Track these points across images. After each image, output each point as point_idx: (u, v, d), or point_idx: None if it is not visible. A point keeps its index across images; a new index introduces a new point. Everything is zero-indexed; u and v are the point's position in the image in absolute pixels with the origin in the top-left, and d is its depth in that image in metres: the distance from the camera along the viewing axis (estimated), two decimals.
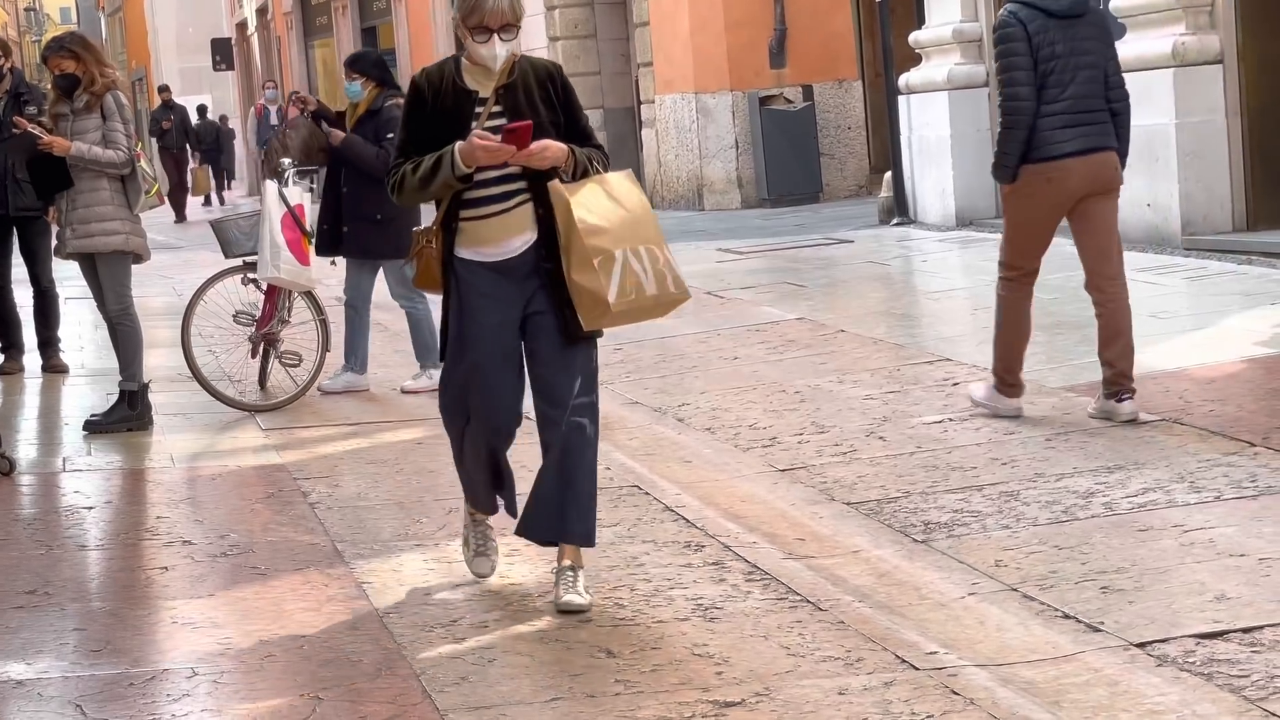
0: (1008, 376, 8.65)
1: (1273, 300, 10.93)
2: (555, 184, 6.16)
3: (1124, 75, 8.66)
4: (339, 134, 11.02)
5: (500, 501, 6.68)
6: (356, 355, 11.24)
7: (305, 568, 7.06)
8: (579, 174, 6.22)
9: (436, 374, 11.03)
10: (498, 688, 5.52)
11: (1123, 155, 8.61)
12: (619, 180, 6.29)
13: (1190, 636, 5.40)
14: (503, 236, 6.25)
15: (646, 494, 7.93)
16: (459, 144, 6.13)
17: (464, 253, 6.30)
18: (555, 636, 5.98)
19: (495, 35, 6.20)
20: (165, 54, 54.07)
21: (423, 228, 6.45)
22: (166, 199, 30.39)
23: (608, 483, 8.14)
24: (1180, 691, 5.00)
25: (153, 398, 10.34)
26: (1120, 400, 8.27)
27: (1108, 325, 8.45)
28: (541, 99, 6.29)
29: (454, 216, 6.30)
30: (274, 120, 29.06)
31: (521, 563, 6.91)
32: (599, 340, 6.37)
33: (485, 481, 6.59)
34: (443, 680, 5.59)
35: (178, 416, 10.54)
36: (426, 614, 6.34)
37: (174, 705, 5.48)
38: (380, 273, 11.29)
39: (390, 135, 10.83)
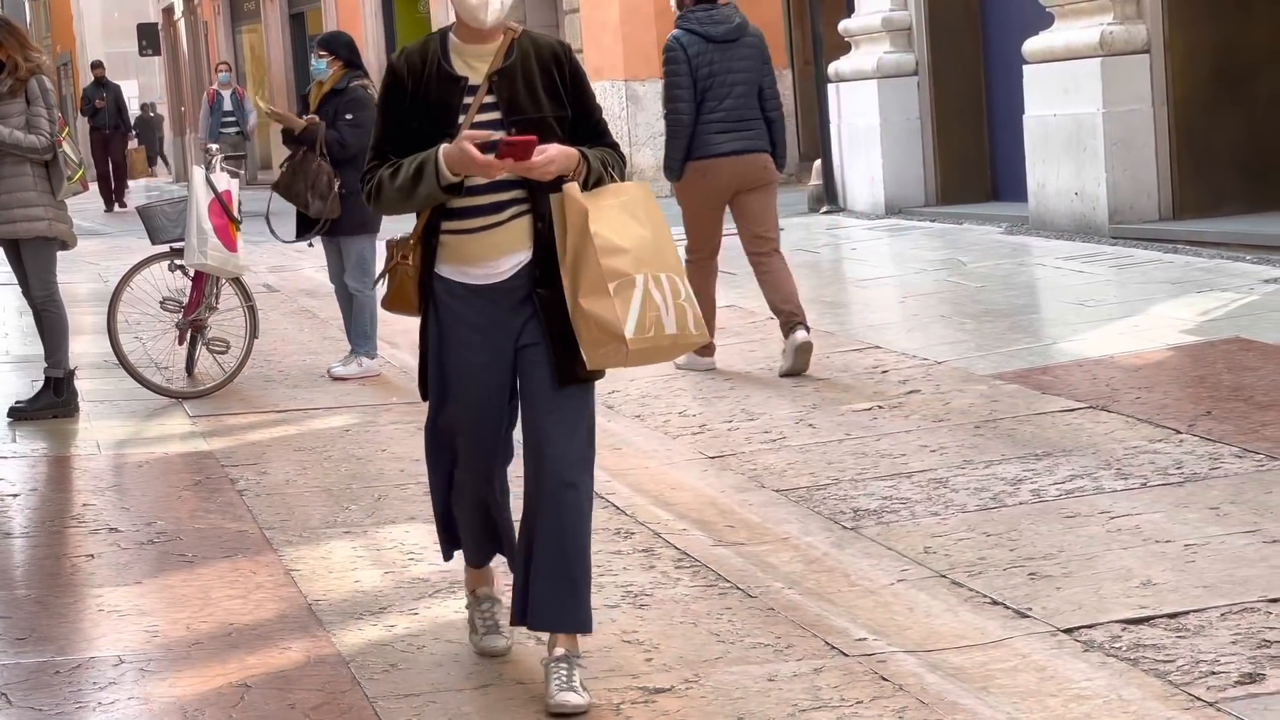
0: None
1: (1199, 288, 11.01)
2: (571, 188, 5.10)
3: (1049, 64, 8.73)
4: (300, 122, 10.97)
5: (499, 555, 5.75)
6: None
7: (233, 555, 7.02)
8: (591, 183, 5.18)
9: (368, 362, 11.08)
10: (427, 675, 5.51)
11: (777, 157, 10.13)
12: (637, 193, 5.26)
13: (1117, 622, 5.43)
14: (491, 255, 5.20)
15: None
16: (444, 148, 5.07)
17: (445, 271, 5.27)
18: None
19: None
20: (91, 38, 53.71)
21: (398, 239, 5.36)
22: (95, 185, 30.05)
23: None
24: (1107, 677, 5.03)
25: (79, 384, 10.27)
26: (794, 330, 9.67)
27: (772, 287, 9.93)
28: (545, 87, 5.21)
29: (435, 228, 5.26)
30: (228, 106, 27.74)
31: None
32: None
33: (478, 532, 5.64)
34: (372, 668, 5.57)
35: (104, 403, 10.48)
36: (355, 601, 6.32)
37: (100, 693, 5.45)
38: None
39: (349, 116, 10.83)
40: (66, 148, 9.90)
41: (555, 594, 5.19)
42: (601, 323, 5.02)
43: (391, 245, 5.37)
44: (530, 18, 25.65)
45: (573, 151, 5.11)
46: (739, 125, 9.94)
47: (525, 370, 5.23)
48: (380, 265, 5.47)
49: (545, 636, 5.29)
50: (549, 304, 5.16)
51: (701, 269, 10.02)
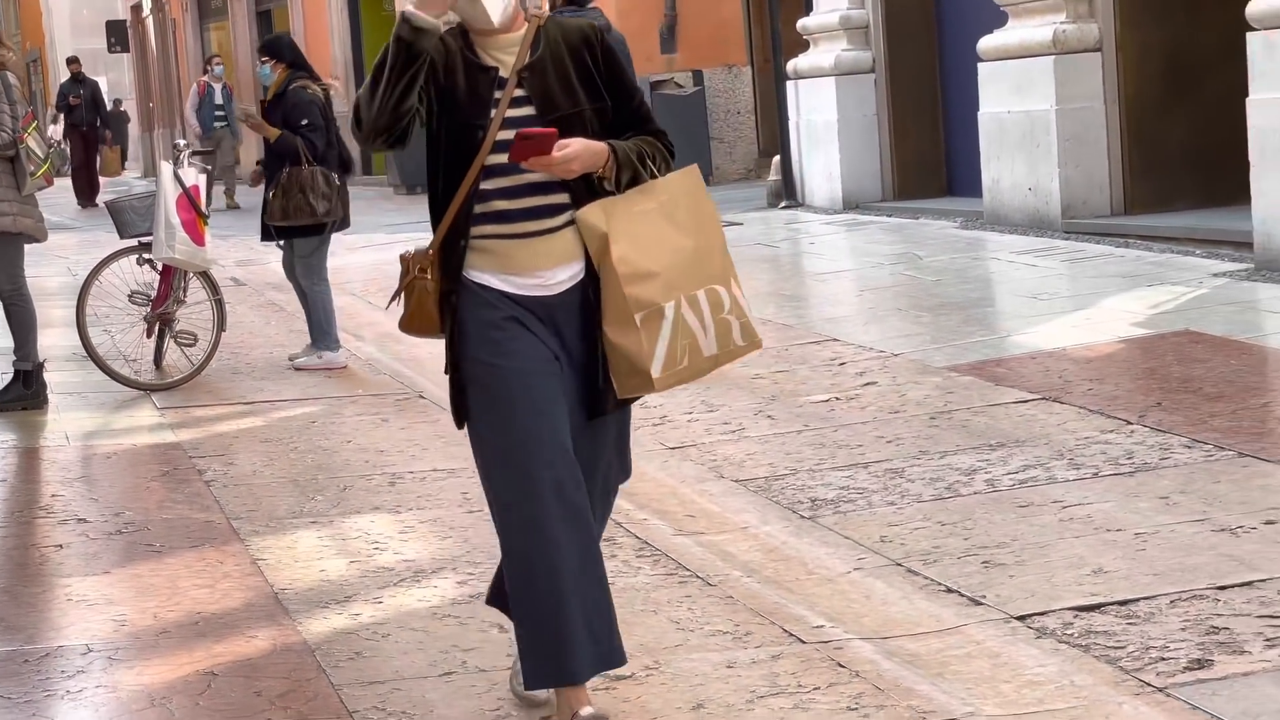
0: None
1: (1149, 282, 11.05)
2: (586, 212, 4.52)
3: (1003, 62, 8.80)
4: (273, 131, 10.95)
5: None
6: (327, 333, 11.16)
7: (200, 545, 7.00)
8: (625, 180, 4.58)
9: (327, 355, 11.05)
10: (392, 663, 5.50)
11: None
12: (679, 187, 4.62)
13: (1069, 609, 5.45)
14: (545, 263, 4.56)
15: None
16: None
17: (480, 276, 4.59)
18: (448, 612, 5.97)
19: None
20: (60, 35, 53.50)
21: (413, 252, 4.66)
22: (70, 180, 29.73)
23: None
24: (1059, 663, 5.04)
25: (48, 377, 10.23)
26: None
27: None
28: (580, 77, 4.62)
29: (463, 233, 4.58)
30: (218, 100, 26.97)
31: (415, 539, 6.89)
32: None
33: (567, 618, 4.54)
34: (337, 656, 5.56)
35: (73, 395, 10.44)
36: (321, 590, 6.31)
37: (69, 681, 5.43)
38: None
39: (305, 121, 10.81)
40: (31, 142, 9.83)
41: (605, 633, 4.63)
42: (628, 356, 4.54)
43: (406, 259, 4.67)
44: None
45: (600, 146, 4.51)
46: None
47: (568, 390, 4.63)
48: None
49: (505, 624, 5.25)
50: (599, 321, 4.60)
51: None
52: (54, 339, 11.60)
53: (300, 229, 10.92)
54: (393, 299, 4.75)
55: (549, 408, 4.55)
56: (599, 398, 4.65)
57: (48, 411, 9.98)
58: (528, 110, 4.55)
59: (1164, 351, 9.05)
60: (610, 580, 6.10)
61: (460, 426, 4.72)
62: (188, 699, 5.24)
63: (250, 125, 11.33)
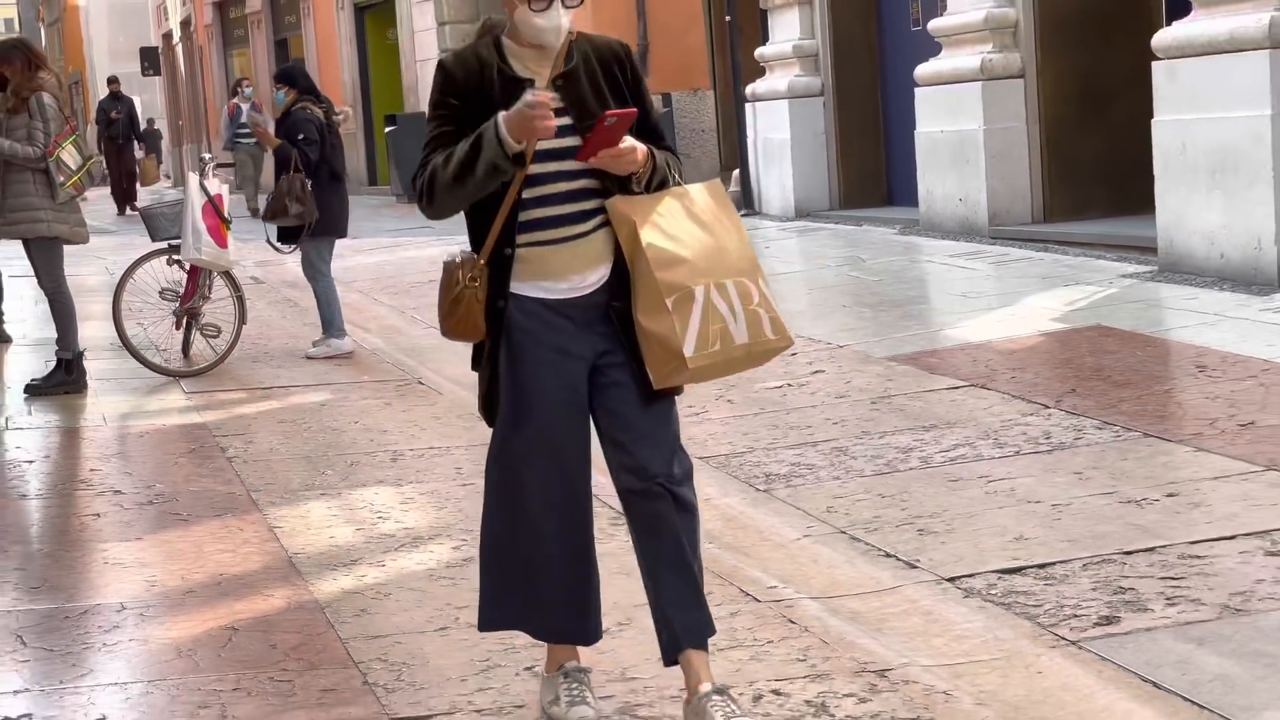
0: None
1: (1065, 282, 11.06)
2: (617, 201, 4.22)
3: (937, 87, 8.78)
4: (274, 140, 11.26)
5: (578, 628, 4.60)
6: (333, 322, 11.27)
7: (223, 514, 6.98)
8: (655, 184, 4.29)
9: (336, 342, 11.05)
10: (392, 619, 5.49)
11: None
12: (702, 193, 4.34)
13: (993, 572, 5.45)
14: (578, 267, 4.26)
15: None
16: (502, 113, 4.10)
17: (520, 288, 4.28)
18: (443, 575, 5.95)
19: (558, 0, 4.22)
20: (99, 60, 53.26)
21: (459, 259, 4.28)
22: (109, 188, 29.62)
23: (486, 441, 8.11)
24: (984, 619, 5.05)
25: (87, 364, 10.20)
26: None
27: None
28: (610, 89, 4.31)
29: (508, 242, 4.25)
30: (243, 119, 26.82)
31: (414, 509, 6.87)
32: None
33: (555, 597, 4.50)
34: (344, 613, 5.55)
35: (110, 381, 10.40)
36: (330, 555, 6.29)
37: (105, 635, 5.41)
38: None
39: (301, 136, 10.91)
40: (64, 155, 9.83)
41: (695, 609, 4.39)
42: (662, 340, 4.16)
43: (454, 268, 4.26)
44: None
45: (644, 148, 4.22)
46: None
47: (609, 389, 4.31)
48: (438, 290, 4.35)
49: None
50: (624, 317, 4.28)
51: None
52: (93, 330, 11.56)
53: (290, 231, 11.05)
54: (442, 307, 4.29)
55: (567, 443, 4.35)
56: (646, 385, 4.28)
57: (87, 395, 9.95)
58: (564, 120, 4.20)
59: (1078, 344, 9.06)
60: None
61: (491, 424, 4.44)
62: (211, 651, 5.22)
63: (258, 132, 11.63)
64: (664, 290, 4.14)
